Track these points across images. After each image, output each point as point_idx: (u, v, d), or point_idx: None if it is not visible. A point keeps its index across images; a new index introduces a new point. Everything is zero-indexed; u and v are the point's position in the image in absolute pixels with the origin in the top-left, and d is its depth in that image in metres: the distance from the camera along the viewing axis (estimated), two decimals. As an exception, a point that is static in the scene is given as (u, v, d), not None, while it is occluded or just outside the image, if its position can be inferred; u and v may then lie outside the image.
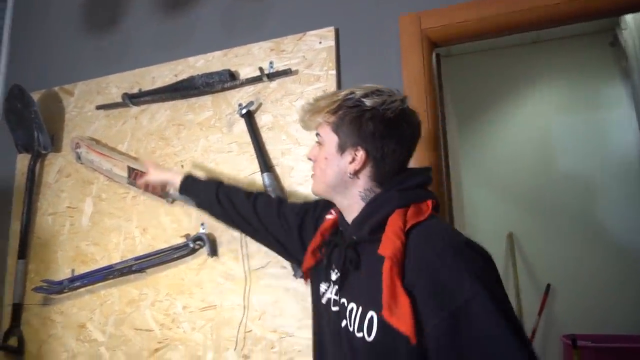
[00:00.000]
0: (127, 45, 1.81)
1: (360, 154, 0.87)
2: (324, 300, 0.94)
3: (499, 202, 3.00)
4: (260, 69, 1.46)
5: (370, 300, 0.78)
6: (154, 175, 1.38)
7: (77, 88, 1.84)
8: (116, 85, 1.75)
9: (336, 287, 0.90)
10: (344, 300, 0.86)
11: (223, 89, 1.53)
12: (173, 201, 1.54)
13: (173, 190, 1.38)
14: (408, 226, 0.79)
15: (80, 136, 1.74)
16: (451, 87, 2.74)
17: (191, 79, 1.56)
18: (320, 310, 0.97)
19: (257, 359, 1.35)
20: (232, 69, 1.54)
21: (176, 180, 1.31)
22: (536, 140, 2.99)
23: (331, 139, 0.90)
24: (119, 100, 1.69)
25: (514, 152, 3.02)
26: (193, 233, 1.49)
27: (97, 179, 1.71)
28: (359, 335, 0.79)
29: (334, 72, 1.42)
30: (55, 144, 1.81)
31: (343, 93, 0.90)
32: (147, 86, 1.68)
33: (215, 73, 1.52)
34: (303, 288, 1.31)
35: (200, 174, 1.36)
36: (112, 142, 1.71)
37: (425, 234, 0.79)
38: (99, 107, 1.74)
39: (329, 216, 1.01)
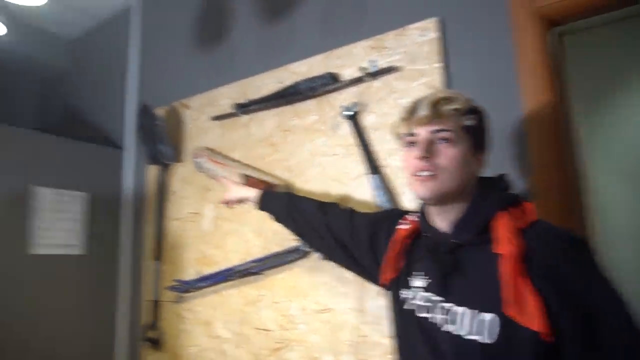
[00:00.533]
0: (233, 57, 1.90)
1: (484, 158, 0.91)
2: (406, 306, 0.92)
3: (634, 194, 2.61)
4: (362, 68, 1.43)
5: (485, 302, 0.77)
6: (233, 193, 1.43)
7: (193, 101, 1.98)
8: (227, 96, 1.85)
9: (425, 294, 0.89)
10: (451, 304, 0.83)
11: (326, 92, 1.53)
12: (284, 206, 1.58)
13: (254, 206, 1.39)
14: (522, 226, 0.80)
15: (199, 147, 1.87)
16: (574, 68, 2.44)
17: (295, 85, 1.58)
18: (404, 317, 0.94)
19: (373, 363, 1.34)
20: (334, 71, 1.53)
21: (254, 197, 1.36)
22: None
23: (467, 140, 0.87)
24: (230, 110, 1.79)
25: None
26: (304, 236, 1.52)
27: (215, 186, 1.82)
28: (471, 337, 0.77)
29: (439, 65, 1.34)
30: (177, 155, 1.98)
31: (464, 97, 0.89)
32: (254, 95, 1.74)
33: (318, 77, 1.53)
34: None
35: (279, 188, 1.39)
36: (226, 151, 1.81)
37: (544, 234, 0.79)
38: (213, 119, 1.85)
39: (403, 226, 0.99)
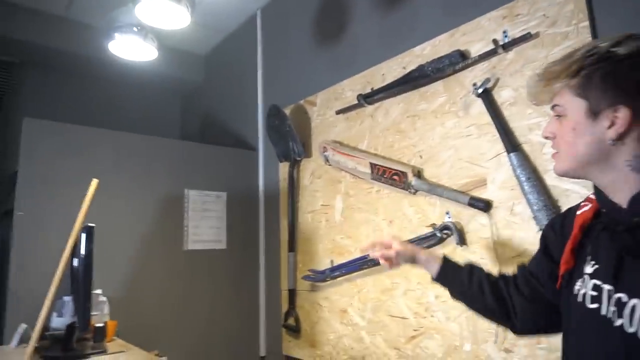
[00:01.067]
0: (355, 49, 1.93)
1: (623, 113, 0.71)
2: (579, 299, 0.78)
3: None
4: (495, 41, 1.34)
5: None
6: (399, 247, 1.11)
7: (318, 98, 2.05)
8: (350, 88, 1.88)
9: (595, 281, 0.75)
10: (622, 294, 0.70)
11: (455, 72, 1.47)
12: (416, 192, 1.55)
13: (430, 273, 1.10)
14: None
15: (326, 140, 1.93)
16: None
17: (420, 68, 1.55)
18: (573, 309, 0.80)
19: (521, 354, 1.24)
20: (462, 49, 1.46)
21: (433, 265, 1.08)
22: None
23: (578, 106, 0.76)
24: (354, 102, 1.81)
25: None
26: (438, 222, 1.47)
27: (344, 178, 1.87)
28: None
29: (586, 23, 1.20)
30: (306, 151, 2.06)
31: (582, 50, 0.75)
32: (378, 84, 1.74)
33: (445, 56, 1.48)
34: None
35: (459, 260, 1.09)
36: (353, 142, 1.84)
37: None
38: (338, 112, 1.90)
39: (583, 209, 0.84)
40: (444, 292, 1.43)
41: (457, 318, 1.41)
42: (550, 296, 0.89)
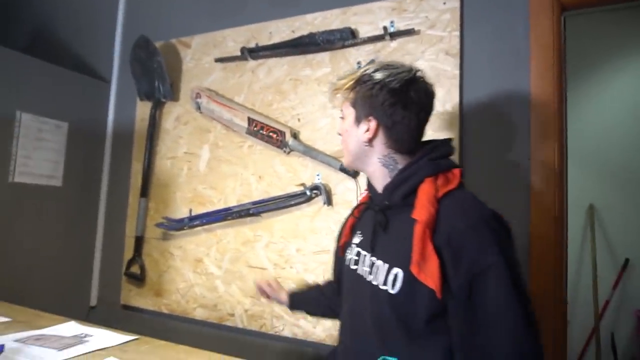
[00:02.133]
0: (243, 0, 1.88)
1: (372, 123, 0.97)
2: (346, 263, 1.07)
3: (581, 173, 2.92)
4: (384, 28, 1.49)
5: (397, 259, 0.89)
6: (277, 294, 1.33)
7: (194, 41, 1.95)
8: (233, 39, 1.84)
9: (358, 249, 1.03)
10: (373, 258, 0.96)
11: (343, 47, 1.58)
12: (290, 152, 1.64)
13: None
14: (440, 194, 0.88)
15: (200, 87, 1.86)
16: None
17: (312, 36, 1.62)
18: (344, 272, 1.08)
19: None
20: (352, 27, 1.58)
21: (284, 299, 1.30)
22: (629, 111, 2.87)
23: (350, 113, 1.01)
24: (237, 53, 1.79)
25: (604, 122, 2.91)
26: (308, 183, 1.60)
27: (214, 128, 1.84)
28: (383, 287, 0.90)
29: (457, 33, 1.44)
30: (173, 93, 1.95)
31: (360, 71, 1.00)
32: (264, 41, 1.76)
33: (337, 30, 1.58)
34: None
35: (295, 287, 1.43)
36: (229, 94, 1.82)
37: (456, 204, 0.88)
38: (217, 60, 1.84)
39: (362, 195, 1.14)
40: (307, 246, 1.59)
41: (314, 270, 1.57)
42: None
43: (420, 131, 0.99)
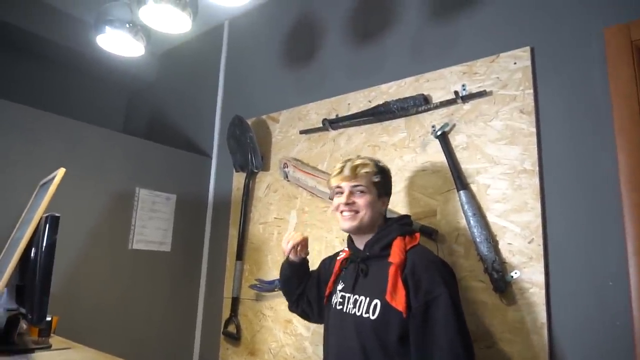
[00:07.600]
0: (323, 76, 2.07)
1: (387, 200, 1.37)
2: (332, 306, 1.33)
3: None
4: (456, 92, 1.54)
5: (376, 293, 1.19)
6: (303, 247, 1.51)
7: (282, 115, 2.15)
8: (315, 111, 2.01)
9: (342, 293, 1.31)
10: (356, 296, 1.25)
11: (417, 112, 1.66)
12: (370, 215, 1.70)
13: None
14: (407, 248, 1.24)
15: (287, 157, 2.03)
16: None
17: (386, 104, 1.72)
18: (330, 314, 1.35)
19: None
20: (425, 93, 1.65)
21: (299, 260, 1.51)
22: None
23: (374, 190, 1.31)
24: (319, 125, 1.94)
25: None
26: (389, 245, 1.63)
27: (300, 195, 1.97)
28: (366, 315, 1.19)
29: (530, 91, 1.43)
30: (264, 164, 2.14)
31: (374, 161, 1.35)
32: (343, 112, 1.89)
33: (410, 98, 1.66)
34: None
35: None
36: (313, 162, 1.96)
37: (418, 253, 1.23)
38: (302, 132, 2.01)
39: (340, 256, 1.43)
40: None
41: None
42: (313, 300, 1.50)
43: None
